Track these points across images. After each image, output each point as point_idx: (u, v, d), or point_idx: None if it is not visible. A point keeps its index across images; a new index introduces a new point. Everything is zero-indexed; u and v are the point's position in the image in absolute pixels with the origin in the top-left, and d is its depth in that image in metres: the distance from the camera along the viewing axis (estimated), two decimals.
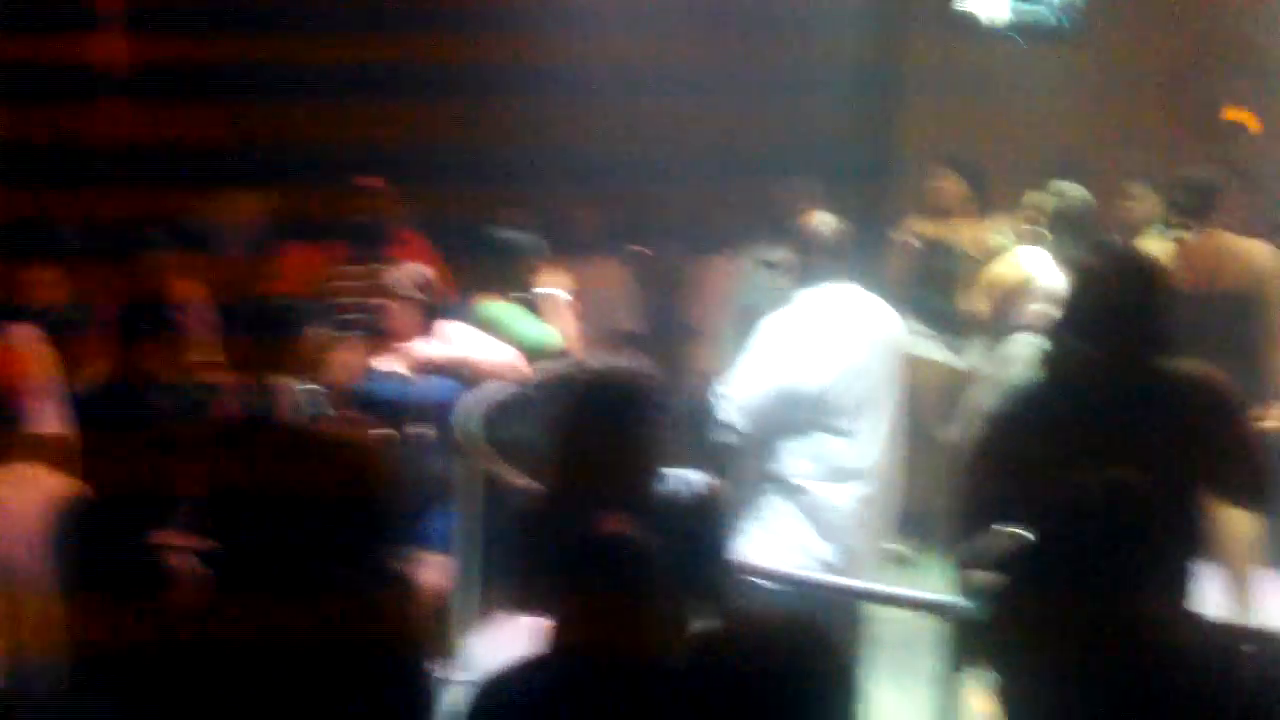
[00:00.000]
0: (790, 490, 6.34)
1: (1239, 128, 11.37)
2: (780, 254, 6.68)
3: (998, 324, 7.92)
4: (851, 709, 3.23)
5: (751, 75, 10.63)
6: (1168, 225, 8.38)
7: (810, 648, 3.13)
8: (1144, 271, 4.96)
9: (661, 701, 3.29)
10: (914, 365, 8.53)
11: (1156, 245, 8.26)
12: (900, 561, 8.60)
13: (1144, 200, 8.85)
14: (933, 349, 8.62)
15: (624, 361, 4.65)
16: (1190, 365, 4.90)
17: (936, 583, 7.44)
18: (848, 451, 6.34)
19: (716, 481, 4.49)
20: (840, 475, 6.34)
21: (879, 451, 6.45)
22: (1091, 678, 3.62)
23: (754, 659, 3.10)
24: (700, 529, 4.38)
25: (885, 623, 6.67)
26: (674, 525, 4.27)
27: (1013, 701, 4.15)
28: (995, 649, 4.25)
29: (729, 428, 6.27)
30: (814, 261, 6.42)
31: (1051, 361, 4.95)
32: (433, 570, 6.43)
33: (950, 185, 9.02)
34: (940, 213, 9.01)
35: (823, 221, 6.49)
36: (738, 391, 6.27)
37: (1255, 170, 10.19)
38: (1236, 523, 6.80)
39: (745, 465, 6.38)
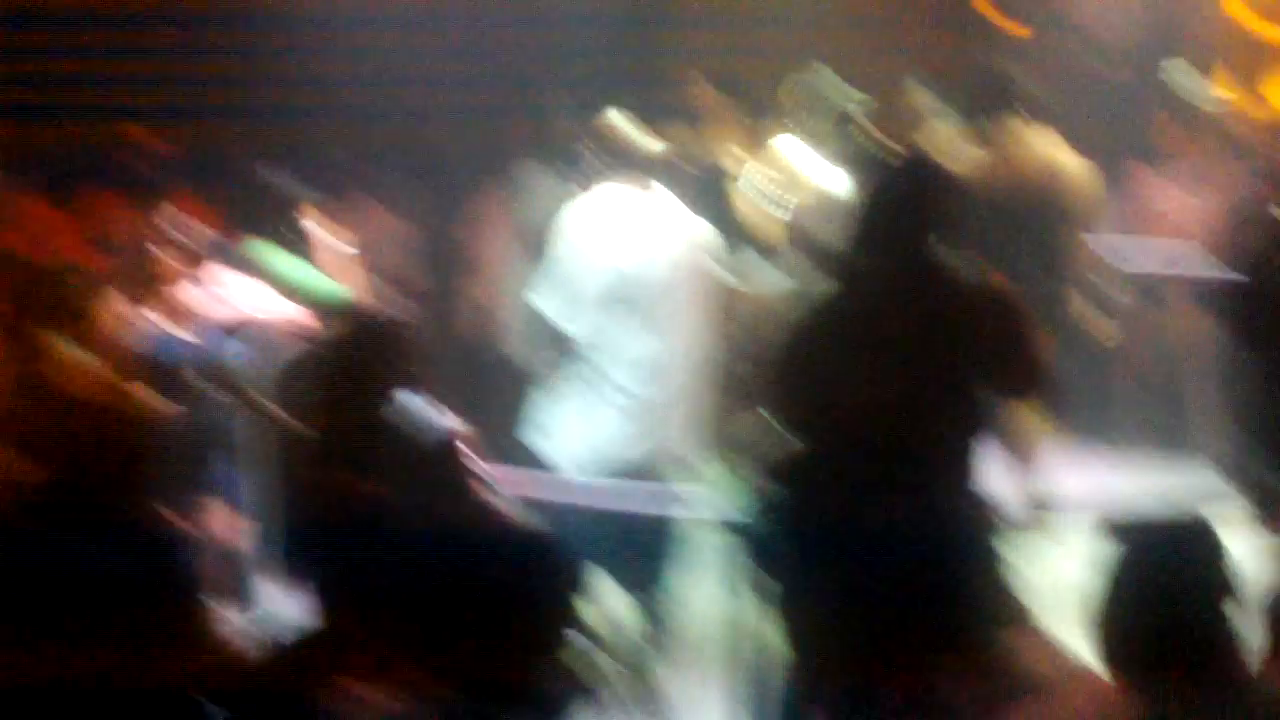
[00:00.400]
0: (595, 386, 6.39)
1: (988, 21, 11.49)
2: (580, 155, 6.74)
3: (768, 233, 7.96)
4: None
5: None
6: (965, 123, 8.40)
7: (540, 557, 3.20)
8: (921, 172, 4.99)
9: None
10: None
11: (941, 143, 8.34)
12: (690, 473, 8.68)
13: (916, 98, 8.86)
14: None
15: (374, 307, 4.68)
16: (971, 266, 4.97)
17: (725, 493, 7.60)
18: (648, 346, 6.39)
19: (449, 414, 4.50)
20: (642, 370, 6.39)
21: (682, 349, 6.51)
22: (863, 568, 3.69)
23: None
24: (442, 464, 4.41)
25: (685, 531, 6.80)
26: (416, 462, 4.33)
27: (787, 604, 4.24)
28: (771, 551, 4.33)
29: (541, 326, 6.38)
30: (612, 159, 6.50)
31: (830, 265, 4.99)
32: (221, 522, 6.39)
33: (707, 95, 8.99)
34: (700, 124, 8.98)
35: (618, 121, 6.60)
36: (544, 287, 6.37)
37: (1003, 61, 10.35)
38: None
39: (551, 364, 6.46)
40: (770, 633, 4.63)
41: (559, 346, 6.40)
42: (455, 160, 9.68)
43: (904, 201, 4.85)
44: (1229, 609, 2.87)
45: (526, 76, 9.85)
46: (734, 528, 4.81)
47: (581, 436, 6.38)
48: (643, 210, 6.46)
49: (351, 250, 7.72)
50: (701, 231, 6.70)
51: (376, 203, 9.31)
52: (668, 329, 6.43)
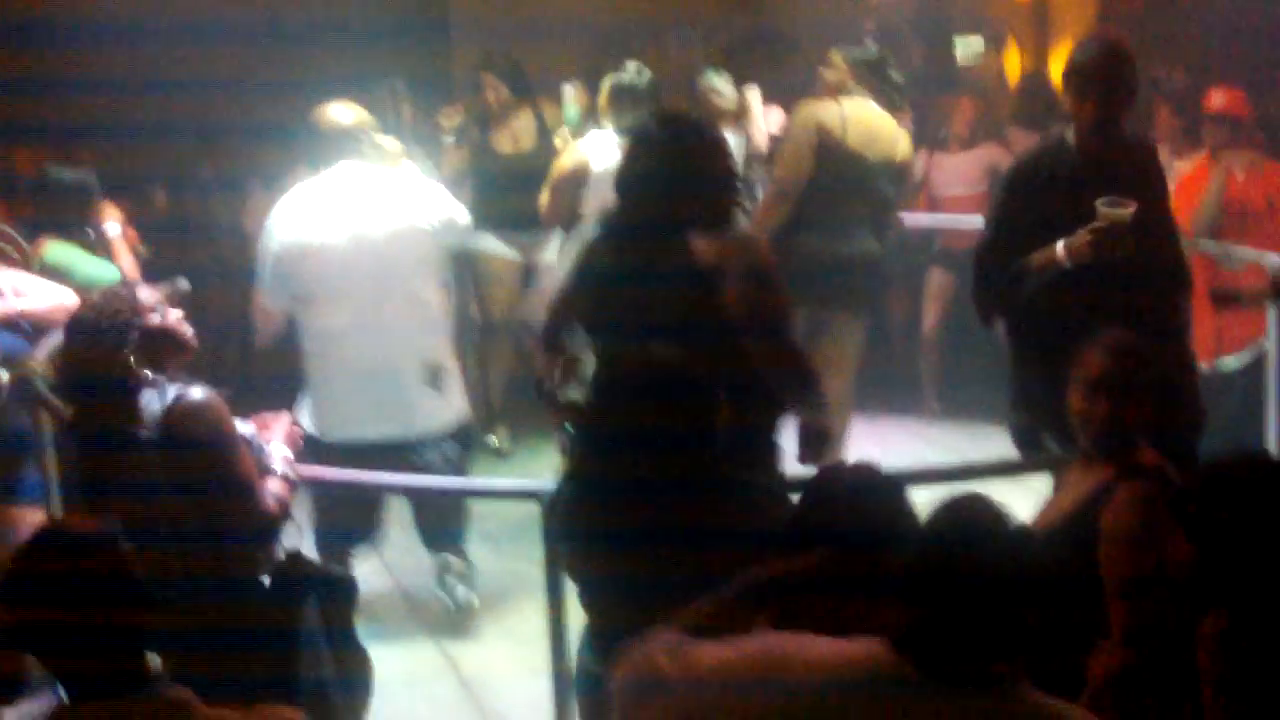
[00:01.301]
0: (307, 362, 6.63)
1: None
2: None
3: (558, 213, 8.02)
4: None
5: None
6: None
7: None
8: (677, 141, 4.89)
9: None
10: (478, 261, 8.71)
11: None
12: (496, 453, 8.75)
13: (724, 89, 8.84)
14: (494, 245, 8.72)
15: (116, 292, 4.66)
16: (732, 236, 4.89)
17: (532, 469, 7.65)
18: (349, 321, 6.50)
19: (201, 393, 4.48)
20: (341, 346, 6.52)
21: (388, 323, 6.55)
22: (652, 539, 3.70)
23: None
24: (187, 439, 4.40)
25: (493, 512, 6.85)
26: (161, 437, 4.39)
27: (584, 574, 4.23)
28: (566, 523, 4.32)
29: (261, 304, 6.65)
30: (325, 143, 6.62)
31: (603, 237, 4.99)
32: (26, 524, 6.29)
33: (491, 87, 9.01)
34: (489, 115, 9.01)
35: (335, 109, 6.68)
36: (266, 274, 6.57)
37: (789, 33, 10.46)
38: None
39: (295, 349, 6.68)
40: (574, 600, 4.65)
41: (297, 329, 6.60)
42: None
43: (658, 170, 4.80)
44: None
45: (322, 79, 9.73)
46: (524, 495, 4.82)
47: (333, 414, 6.53)
48: (340, 191, 6.55)
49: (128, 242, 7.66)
50: (436, 215, 6.71)
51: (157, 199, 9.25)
52: (374, 302, 6.51)
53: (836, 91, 7.52)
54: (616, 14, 10.89)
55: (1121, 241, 5.29)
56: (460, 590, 6.88)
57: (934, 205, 9.47)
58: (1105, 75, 5.49)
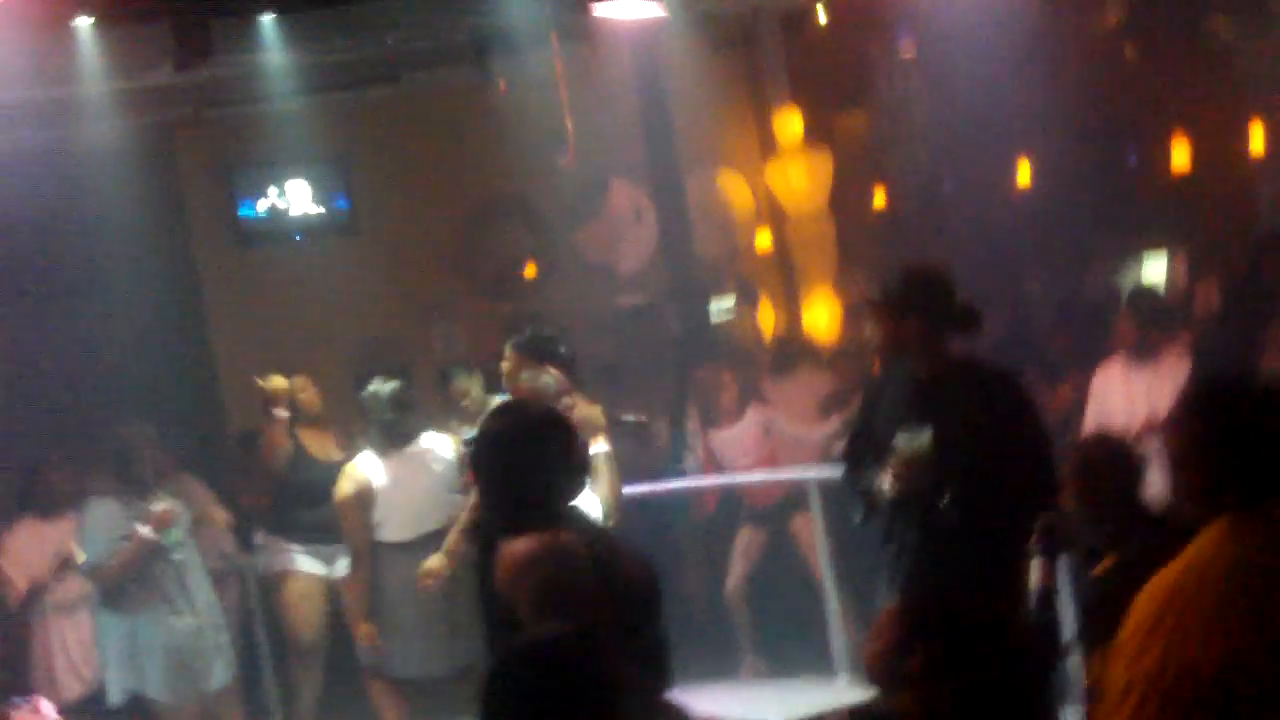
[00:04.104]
0: None
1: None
2: None
3: (353, 536, 7.74)
4: None
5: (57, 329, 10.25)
6: None
7: None
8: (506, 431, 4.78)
9: None
10: (284, 579, 8.41)
11: None
12: None
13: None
14: (303, 561, 8.43)
15: None
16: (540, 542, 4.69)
17: None
18: None
19: None
20: None
21: None
22: None
23: None
24: None
25: None
26: None
27: None
28: None
29: None
30: None
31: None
32: None
33: (304, 387, 8.69)
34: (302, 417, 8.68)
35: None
36: None
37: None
38: None
39: None
40: None
41: None
42: None
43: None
44: None
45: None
46: None
47: None
48: None
49: None
50: None
51: None
52: None
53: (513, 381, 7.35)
54: (376, 323, 10.91)
55: (920, 471, 5.55)
56: None
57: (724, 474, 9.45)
58: (898, 301, 5.75)
